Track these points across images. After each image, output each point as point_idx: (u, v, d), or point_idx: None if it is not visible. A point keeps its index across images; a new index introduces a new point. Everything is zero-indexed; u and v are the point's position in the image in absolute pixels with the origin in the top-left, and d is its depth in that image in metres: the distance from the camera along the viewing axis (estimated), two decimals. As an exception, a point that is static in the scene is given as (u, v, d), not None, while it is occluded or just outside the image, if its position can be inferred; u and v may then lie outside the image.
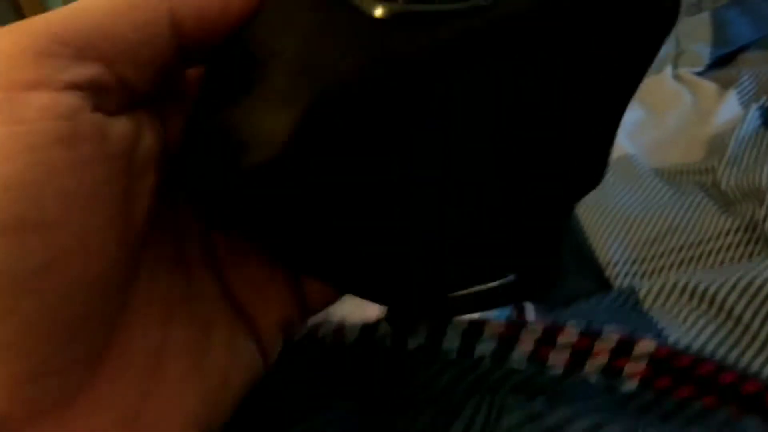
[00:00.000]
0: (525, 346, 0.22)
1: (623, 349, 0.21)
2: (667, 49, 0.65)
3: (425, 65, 0.16)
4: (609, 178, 0.54)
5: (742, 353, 0.28)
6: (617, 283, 0.45)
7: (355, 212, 0.17)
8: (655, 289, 0.39)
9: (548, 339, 0.22)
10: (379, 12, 0.16)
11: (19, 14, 1.03)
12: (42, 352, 0.14)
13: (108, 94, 0.16)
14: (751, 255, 0.42)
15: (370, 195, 0.17)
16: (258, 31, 0.17)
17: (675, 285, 0.38)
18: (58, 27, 0.15)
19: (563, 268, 0.21)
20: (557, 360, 0.22)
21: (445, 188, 0.18)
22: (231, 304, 0.19)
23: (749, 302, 0.31)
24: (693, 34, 0.65)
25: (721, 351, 0.30)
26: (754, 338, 0.29)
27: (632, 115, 0.59)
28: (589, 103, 0.18)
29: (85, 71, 0.15)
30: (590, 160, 0.19)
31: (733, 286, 0.33)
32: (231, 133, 0.16)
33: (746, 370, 0.22)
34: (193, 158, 0.17)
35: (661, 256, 0.46)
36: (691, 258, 0.45)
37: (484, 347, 0.22)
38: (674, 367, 0.20)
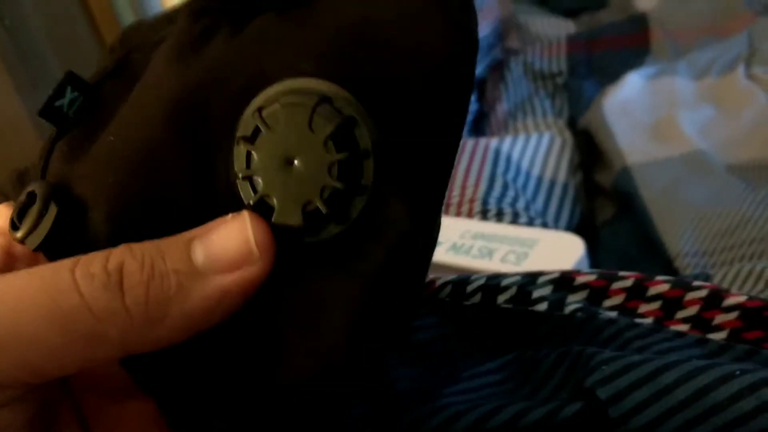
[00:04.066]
0: (615, 297, 0.23)
1: (714, 300, 0.21)
2: (740, 49, 0.65)
3: None
4: (679, 171, 0.54)
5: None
6: (687, 274, 0.45)
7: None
8: (730, 276, 0.39)
9: (639, 290, 0.22)
10: None
11: (89, 14, 1.05)
12: None
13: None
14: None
15: None
16: None
17: (750, 271, 0.38)
18: None
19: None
20: (647, 311, 0.22)
21: None
22: None
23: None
24: (766, 33, 0.65)
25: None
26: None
27: (704, 113, 0.59)
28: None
29: None
30: None
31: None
32: None
33: None
34: None
35: (732, 248, 0.46)
36: (763, 251, 0.45)
37: (575, 298, 0.23)
38: (766, 317, 0.20)
